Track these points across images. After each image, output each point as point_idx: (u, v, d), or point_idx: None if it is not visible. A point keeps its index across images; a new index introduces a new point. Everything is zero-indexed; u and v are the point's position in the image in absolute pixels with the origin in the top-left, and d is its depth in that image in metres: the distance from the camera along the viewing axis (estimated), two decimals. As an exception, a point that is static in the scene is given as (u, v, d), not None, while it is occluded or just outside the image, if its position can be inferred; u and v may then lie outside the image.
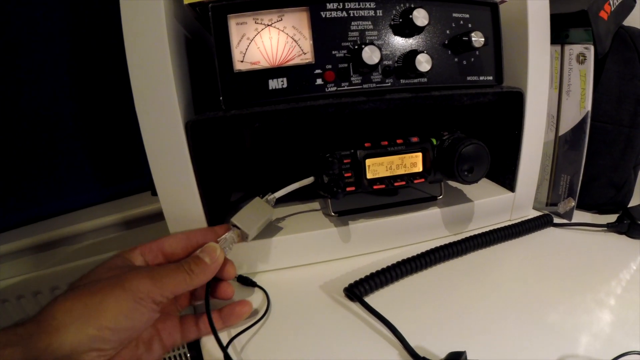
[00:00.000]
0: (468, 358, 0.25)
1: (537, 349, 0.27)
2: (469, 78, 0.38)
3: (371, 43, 0.33)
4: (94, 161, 0.68)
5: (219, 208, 0.40)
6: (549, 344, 0.27)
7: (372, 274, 0.34)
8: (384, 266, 0.34)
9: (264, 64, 0.33)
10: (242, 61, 0.33)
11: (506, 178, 0.42)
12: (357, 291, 0.32)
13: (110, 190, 0.70)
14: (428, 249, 0.36)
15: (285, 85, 0.33)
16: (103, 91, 0.65)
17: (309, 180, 0.34)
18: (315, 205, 0.41)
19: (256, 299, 0.34)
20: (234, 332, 0.31)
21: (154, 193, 0.72)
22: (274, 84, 0.33)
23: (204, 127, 0.34)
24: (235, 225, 0.32)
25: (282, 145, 0.57)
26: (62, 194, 0.67)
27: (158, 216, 0.63)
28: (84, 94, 0.64)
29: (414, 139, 0.35)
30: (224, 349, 0.28)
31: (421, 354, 0.27)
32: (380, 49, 0.33)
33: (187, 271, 0.28)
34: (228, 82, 0.33)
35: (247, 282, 0.35)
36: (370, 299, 0.32)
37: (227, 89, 0.33)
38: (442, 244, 0.37)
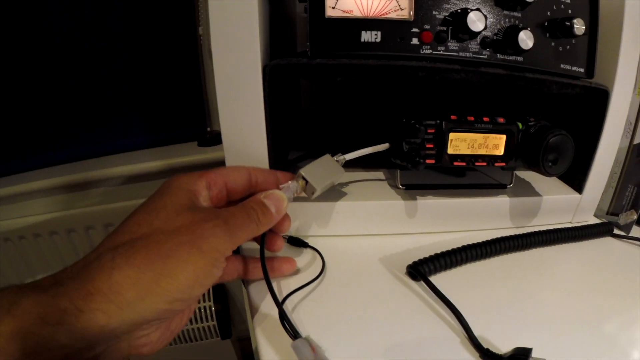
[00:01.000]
0: (533, 355, 0.24)
1: (597, 355, 0.25)
2: (562, 66, 0.35)
3: (477, 9, 0.30)
4: (143, 105, 0.66)
5: (279, 163, 0.38)
6: (604, 354, 0.26)
7: (437, 254, 0.32)
8: (447, 248, 0.33)
9: (357, 13, 0.31)
10: (334, 7, 0.31)
11: (575, 178, 0.40)
12: (422, 270, 0.30)
13: (157, 136, 0.68)
14: (493, 237, 0.34)
15: (378, 40, 0.31)
16: (159, 35, 0.62)
17: (384, 146, 0.32)
18: (380, 174, 0.39)
19: (303, 260, 0.32)
20: (284, 288, 0.29)
21: (201, 144, 0.70)
22: (367, 36, 0.31)
23: (283, 73, 0.32)
24: (303, 178, 0.30)
25: (343, 106, 0.54)
26: (109, 136, 0.66)
27: (202, 167, 0.61)
28: (139, 36, 0.62)
29: (500, 120, 0.33)
30: (279, 305, 0.26)
31: (484, 345, 0.25)
32: (485, 16, 0.30)
33: (256, 221, 0.25)
34: (317, 29, 0.30)
35: (297, 242, 0.33)
36: (432, 280, 0.30)
37: (316, 36, 0.30)
38: (507, 235, 0.35)
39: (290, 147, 0.48)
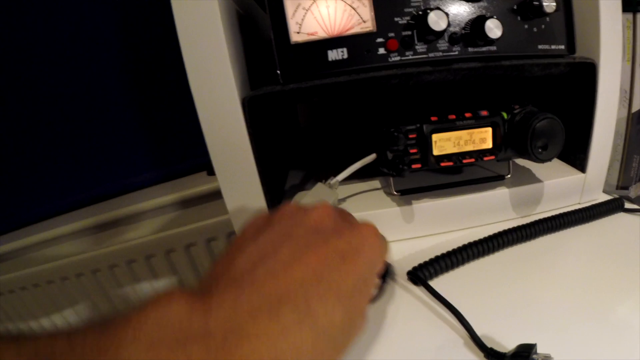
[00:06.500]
0: (538, 352, 0.23)
1: (606, 347, 0.24)
2: (540, 47, 0.35)
3: (437, 8, 0.30)
4: (149, 143, 0.69)
5: (278, 187, 0.38)
6: (618, 342, 0.24)
7: (437, 257, 0.31)
8: (448, 249, 0.32)
9: (321, 34, 0.31)
10: (298, 32, 0.32)
11: (577, 157, 0.39)
12: (422, 275, 0.30)
13: (166, 170, 0.71)
14: (495, 232, 0.34)
15: (345, 56, 0.31)
16: (157, 70, 0.65)
17: (371, 157, 0.33)
18: (376, 183, 0.39)
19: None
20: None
21: (210, 173, 0.72)
22: (334, 54, 0.31)
23: (261, 103, 0.33)
24: None
25: (339, 121, 0.54)
26: (120, 176, 0.69)
27: (214, 195, 0.63)
28: (138, 74, 0.64)
29: (483, 113, 0.33)
30: None
31: (488, 344, 0.25)
32: (447, 14, 0.30)
33: None
34: (285, 55, 0.31)
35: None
36: (434, 283, 0.30)
37: (285, 62, 0.31)
38: (510, 227, 0.34)
39: (289, 167, 0.49)
